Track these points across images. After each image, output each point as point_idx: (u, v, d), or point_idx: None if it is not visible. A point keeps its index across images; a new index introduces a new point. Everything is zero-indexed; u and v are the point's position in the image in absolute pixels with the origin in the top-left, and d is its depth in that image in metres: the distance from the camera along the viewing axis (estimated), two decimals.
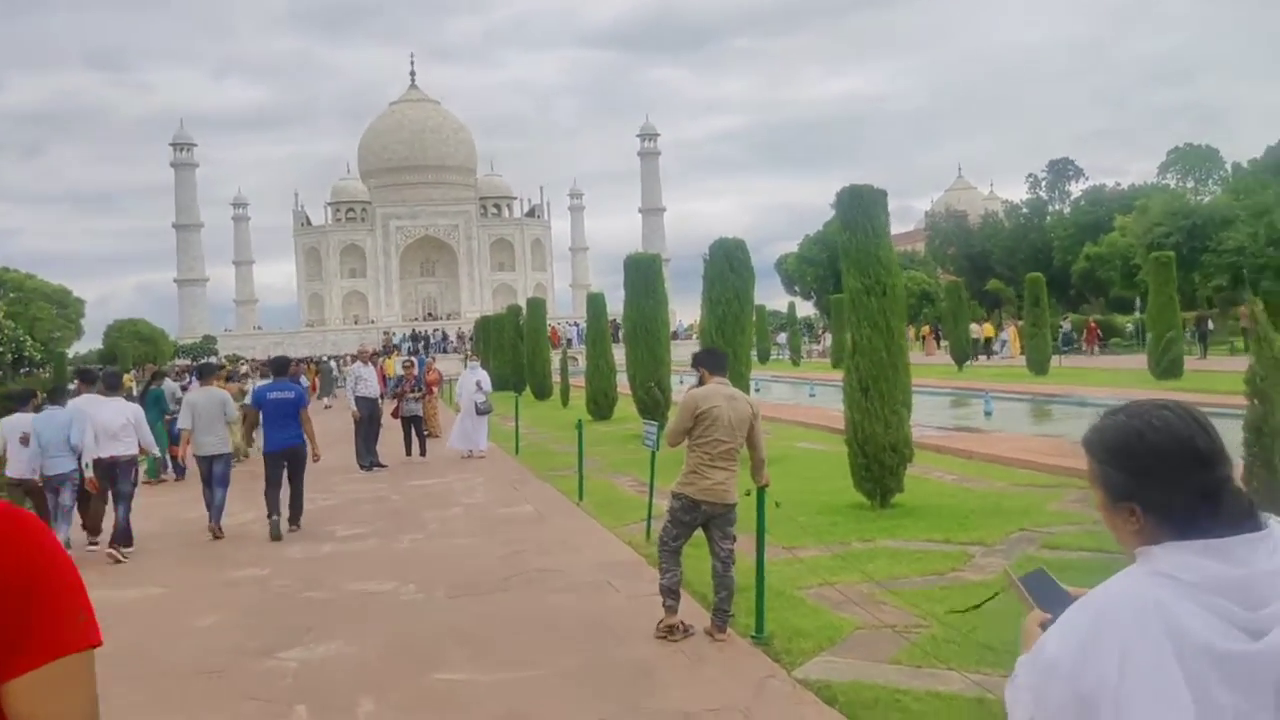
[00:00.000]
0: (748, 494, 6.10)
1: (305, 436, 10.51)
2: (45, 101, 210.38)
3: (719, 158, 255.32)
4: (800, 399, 27.22)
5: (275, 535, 9.83)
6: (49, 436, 9.10)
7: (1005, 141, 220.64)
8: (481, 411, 16.33)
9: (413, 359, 20.69)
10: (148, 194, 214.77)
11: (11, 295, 73.91)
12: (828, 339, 52.12)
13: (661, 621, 5.98)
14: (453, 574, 7.81)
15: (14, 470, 9.24)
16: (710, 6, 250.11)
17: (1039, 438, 16.15)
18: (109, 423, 9.58)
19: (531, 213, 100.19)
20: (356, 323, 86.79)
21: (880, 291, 9.39)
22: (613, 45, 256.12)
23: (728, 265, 13.97)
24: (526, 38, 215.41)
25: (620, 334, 28.19)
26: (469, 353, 37.55)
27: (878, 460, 9.32)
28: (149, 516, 10.76)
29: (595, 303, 23.16)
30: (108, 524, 9.58)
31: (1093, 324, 41.52)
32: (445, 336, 69.74)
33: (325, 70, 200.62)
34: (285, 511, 10.13)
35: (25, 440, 9.10)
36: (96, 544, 9.63)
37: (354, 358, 29.23)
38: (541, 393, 30.72)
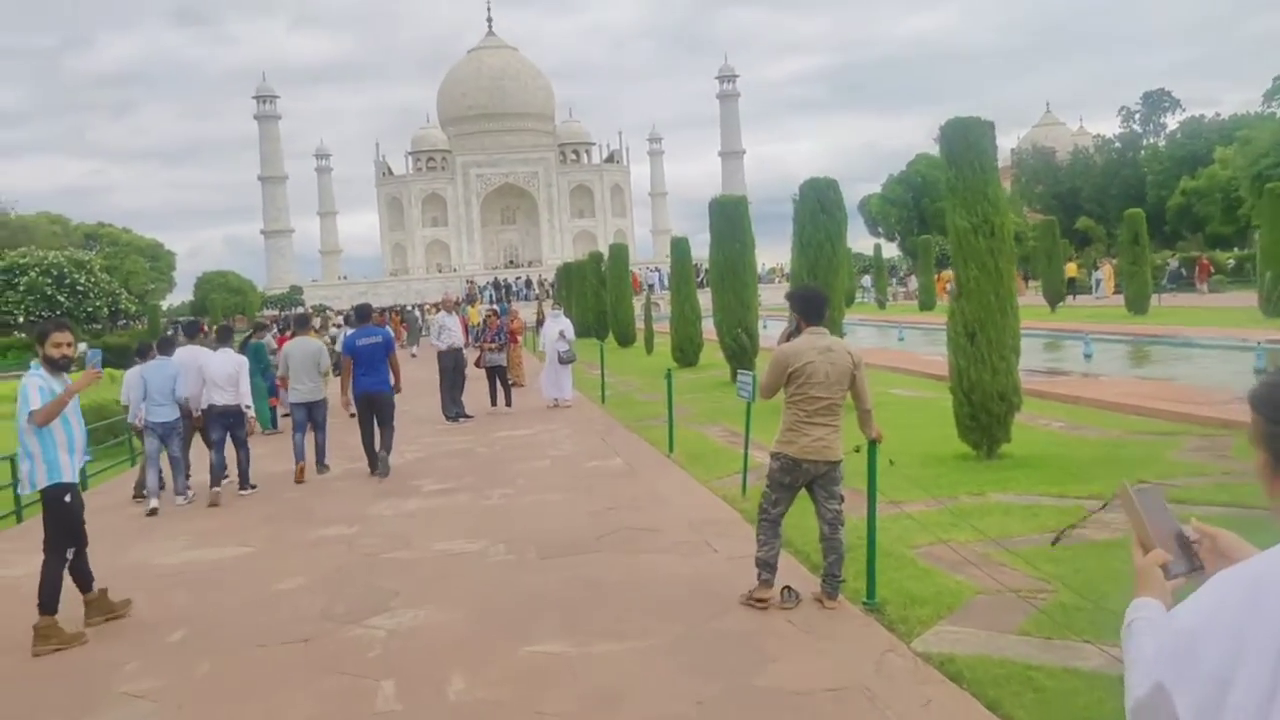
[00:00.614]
0: (857, 450, 5.68)
1: (392, 381, 11.12)
2: (133, 59, 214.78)
3: (797, 99, 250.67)
4: (889, 343, 26.50)
5: (383, 472, 10.61)
6: (155, 385, 9.61)
7: (1094, 75, 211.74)
8: (565, 360, 16.09)
9: (495, 308, 20.53)
10: (233, 148, 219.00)
11: (108, 249, 76.13)
12: (913, 282, 50.87)
13: (753, 592, 5.60)
14: (543, 533, 7.55)
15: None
16: None
17: (1148, 381, 15.36)
18: (217, 373, 10.09)
19: (610, 158, 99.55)
20: (440, 271, 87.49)
21: (989, 231, 8.80)
22: None
23: (819, 206, 13.41)
24: None
25: (705, 279, 27.77)
26: (552, 300, 37.44)
27: (985, 409, 8.81)
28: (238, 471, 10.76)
29: (679, 247, 22.68)
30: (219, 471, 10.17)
31: (1204, 260, 39.59)
32: (529, 283, 69.88)
33: (402, 19, 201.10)
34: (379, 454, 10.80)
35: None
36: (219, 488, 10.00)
37: (437, 307, 29.30)
38: (625, 339, 30.47)
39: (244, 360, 10.84)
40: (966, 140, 8.90)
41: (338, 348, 16.93)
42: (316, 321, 20.65)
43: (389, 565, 7.00)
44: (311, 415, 11.14)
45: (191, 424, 10.21)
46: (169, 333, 17.27)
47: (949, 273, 45.87)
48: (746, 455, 8.62)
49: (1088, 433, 10.26)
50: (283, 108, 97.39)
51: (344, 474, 11.09)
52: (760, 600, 5.53)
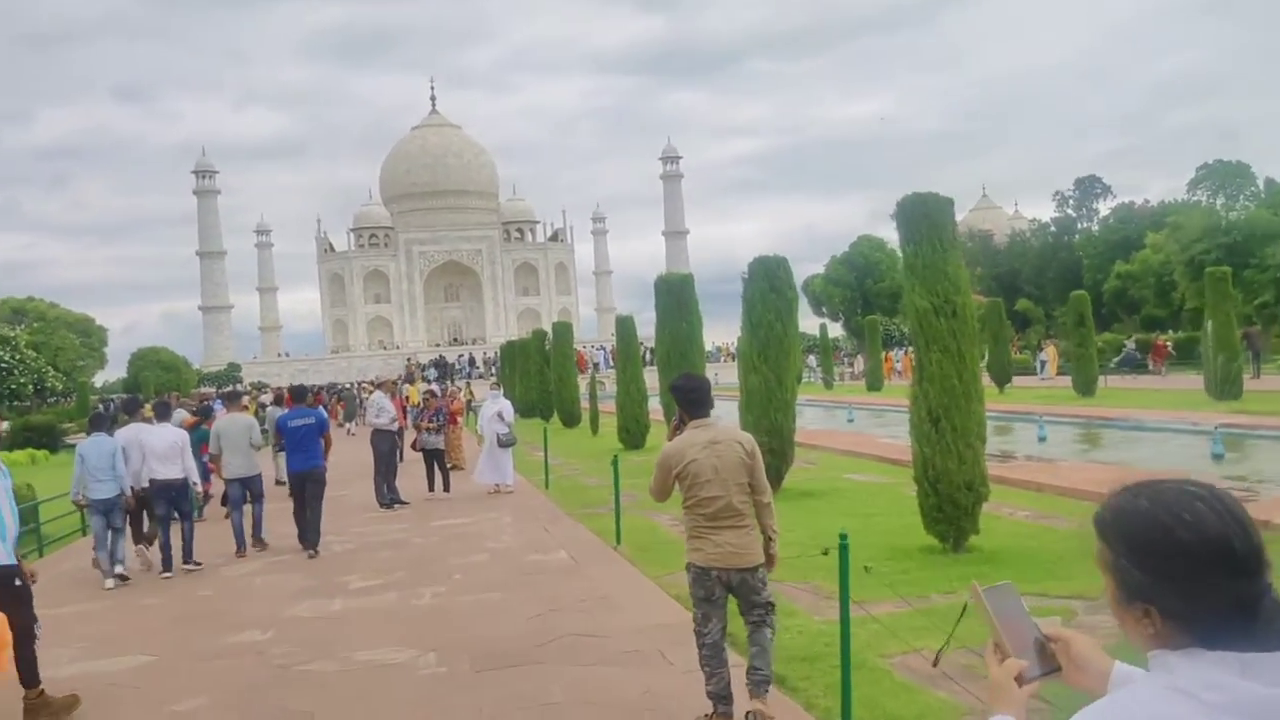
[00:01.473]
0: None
1: (324, 458, 11.52)
2: (71, 134, 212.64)
3: (740, 181, 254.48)
4: (839, 424, 26.16)
5: (313, 542, 10.89)
6: (93, 461, 9.62)
7: (1026, 162, 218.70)
8: (504, 444, 15.41)
9: (433, 387, 19.80)
10: (173, 223, 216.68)
11: (35, 324, 74.03)
12: (859, 362, 51.03)
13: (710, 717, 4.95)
14: (479, 639, 6.85)
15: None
16: (725, 30, 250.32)
17: (1107, 466, 15.08)
18: (158, 446, 10.22)
19: (554, 237, 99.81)
20: (383, 348, 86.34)
21: (950, 311, 8.42)
22: (629, 70, 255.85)
23: (768, 285, 13.04)
24: (542, 64, 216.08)
25: (651, 358, 27.35)
26: (493, 379, 36.78)
27: (951, 500, 8.34)
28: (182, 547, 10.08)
29: (625, 326, 22.30)
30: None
31: (1160, 342, 40.21)
32: (471, 361, 69.10)
33: (345, 98, 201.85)
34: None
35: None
36: (169, 572, 10.16)
37: (374, 385, 28.48)
38: (570, 420, 29.81)
39: (185, 434, 10.95)
40: (926, 216, 8.57)
41: (266, 426, 16.29)
42: (245, 400, 19.78)
43: (305, 680, 6.24)
44: (248, 488, 11.26)
45: (125, 502, 9.94)
46: (99, 409, 16.40)
47: (904, 353, 46.15)
48: None
49: (1055, 522, 9.82)
50: (224, 184, 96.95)
51: (267, 565, 10.29)
52: None
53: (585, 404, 28.72)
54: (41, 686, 5.74)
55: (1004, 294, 68.19)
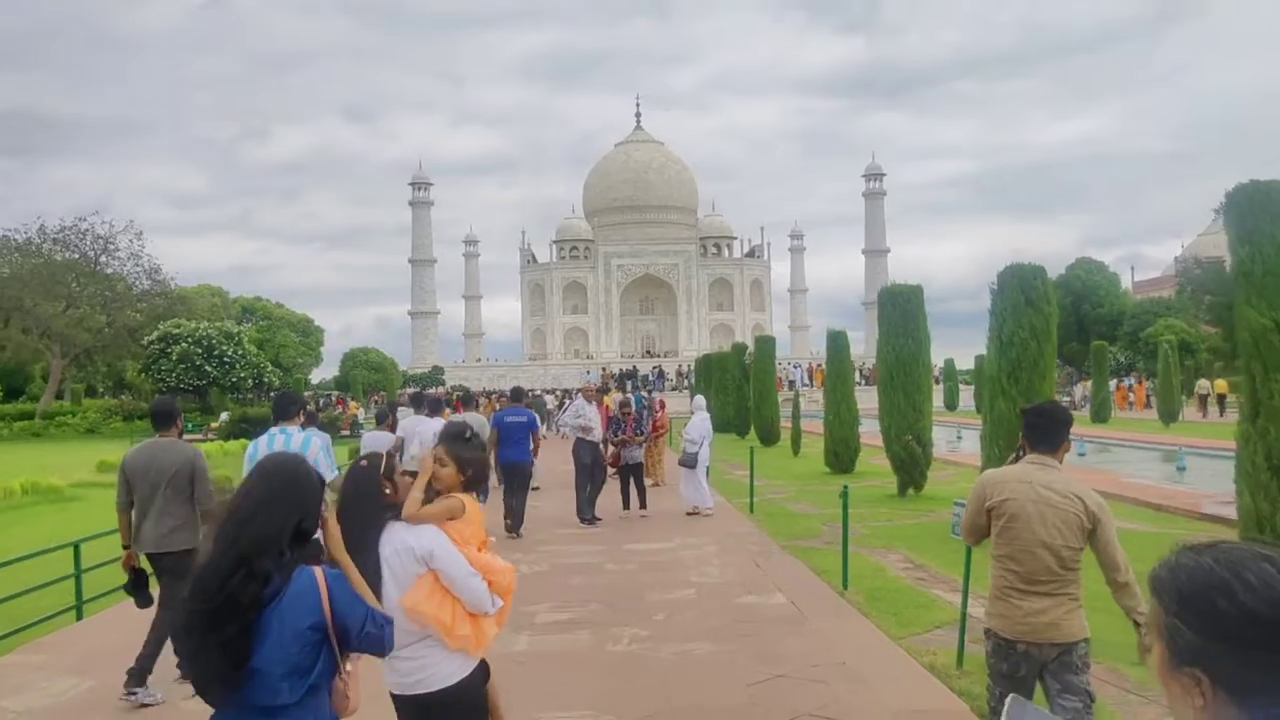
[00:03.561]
0: None
1: (532, 454, 12.76)
2: (303, 150, 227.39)
3: (938, 203, 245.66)
4: (1069, 458, 23.62)
5: (516, 525, 12.27)
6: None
7: (1264, 180, 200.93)
8: (683, 463, 14.12)
9: (629, 397, 18.73)
10: (389, 234, 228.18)
11: (261, 322, 78.55)
12: (1078, 391, 47.25)
13: None
14: (690, 711, 5.56)
15: None
16: (927, 52, 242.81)
17: None
18: (427, 436, 10.73)
19: (751, 253, 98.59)
20: (577, 356, 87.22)
21: None
22: (829, 93, 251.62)
23: (1023, 298, 11.30)
24: (744, 85, 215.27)
25: (862, 378, 25.55)
26: (690, 389, 35.62)
27: None
28: None
29: (837, 342, 20.66)
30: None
31: None
32: (661, 374, 68.49)
33: (553, 118, 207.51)
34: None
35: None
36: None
37: (576, 392, 27.81)
38: (769, 438, 28.34)
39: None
40: (1268, 210, 6.76)
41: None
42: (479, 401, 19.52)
43: None
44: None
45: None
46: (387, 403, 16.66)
47: (1135, 382, 42.48)
48: (965, 612, 6.47)
49: None
50: (436, 197, 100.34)
51: None
52: None
53: (787, 423, 27.22)
54: None
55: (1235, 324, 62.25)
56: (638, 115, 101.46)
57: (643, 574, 9.71)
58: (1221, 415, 39.82)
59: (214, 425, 40.66)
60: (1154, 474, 20.24)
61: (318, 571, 2.67)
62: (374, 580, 3.20)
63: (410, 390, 58.85)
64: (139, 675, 6.05)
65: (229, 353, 50.22)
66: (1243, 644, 1.19)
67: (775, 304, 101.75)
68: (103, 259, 55.93)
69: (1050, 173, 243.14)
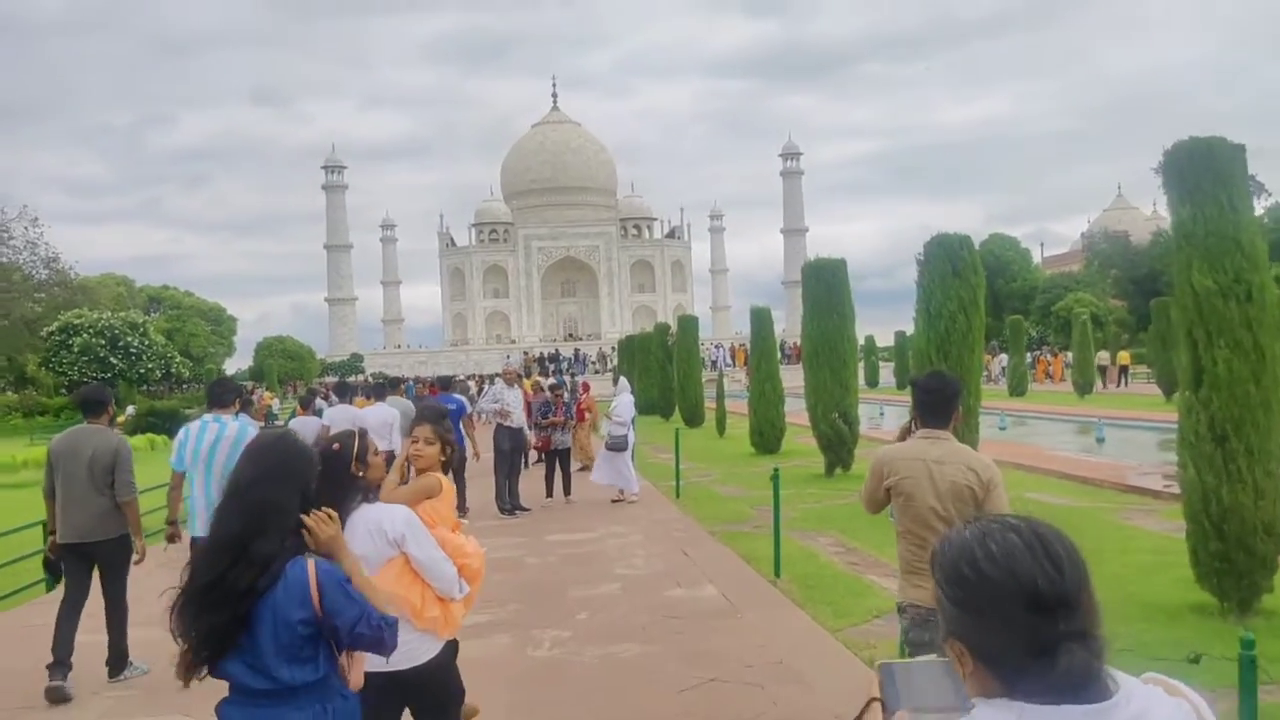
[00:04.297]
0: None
1: (466, 438, 12.13)
2: (211, 136, 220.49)
3: (852, 183, 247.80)
4: (989, 432, 23.71)
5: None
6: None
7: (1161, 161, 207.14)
8: (612, 447, 13.62)
9: (561, 380, 18.25)
10: (302, 220, 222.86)
11: (170, 312, 76.00)
12: (995, 365, 47.92)
13: None
14: None
15: None
16: (837, 34, 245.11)
17: None
18: (371, 423, 9.93)
19: (671, 234, 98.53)
20: (499, 341, 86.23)
21: (1243, 294, 6.30)
22: (741, 74, 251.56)
23: (950, 268, 10.99)
24: (657, 67, 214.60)
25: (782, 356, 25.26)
26: (614, 373, 35.14)
27: (1242, 545, 6.21)
28: None
29: (760, 319, 20.33)
30: None
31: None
32: (577, 356, 67.92)
33: (466, 100, 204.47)
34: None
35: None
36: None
37: (492, 379, 27.13)
38: (693, 419, 27.96)
39: (396, 412, 11.64)
40: (1210, 168, 6.46)
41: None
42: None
43: None
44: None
45: None
46: (310, 391, 16.36)
47: (1053, 355, 43.20)
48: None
49: None
50: (351, 181, 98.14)
51: None
52: None
53: (711, 404, 26.93)
54: None
55: (1142, 297, 63.90)
56: (554, 96, 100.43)
57: (565, 568, 9.19)
58: (1125, 386, 40.79)
59: (120, 420, 38.88)
60: (1074, 445, 20.38)
61: (310, 565, 2.57)
62: None
63: (330, 379, 57.42)
64: (120, 661, 6.16)
65: (134, 344, 48.24)
66: (983, 613, 1.22)
67: (696, 285, 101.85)
68: None
69: (956, 153, 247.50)
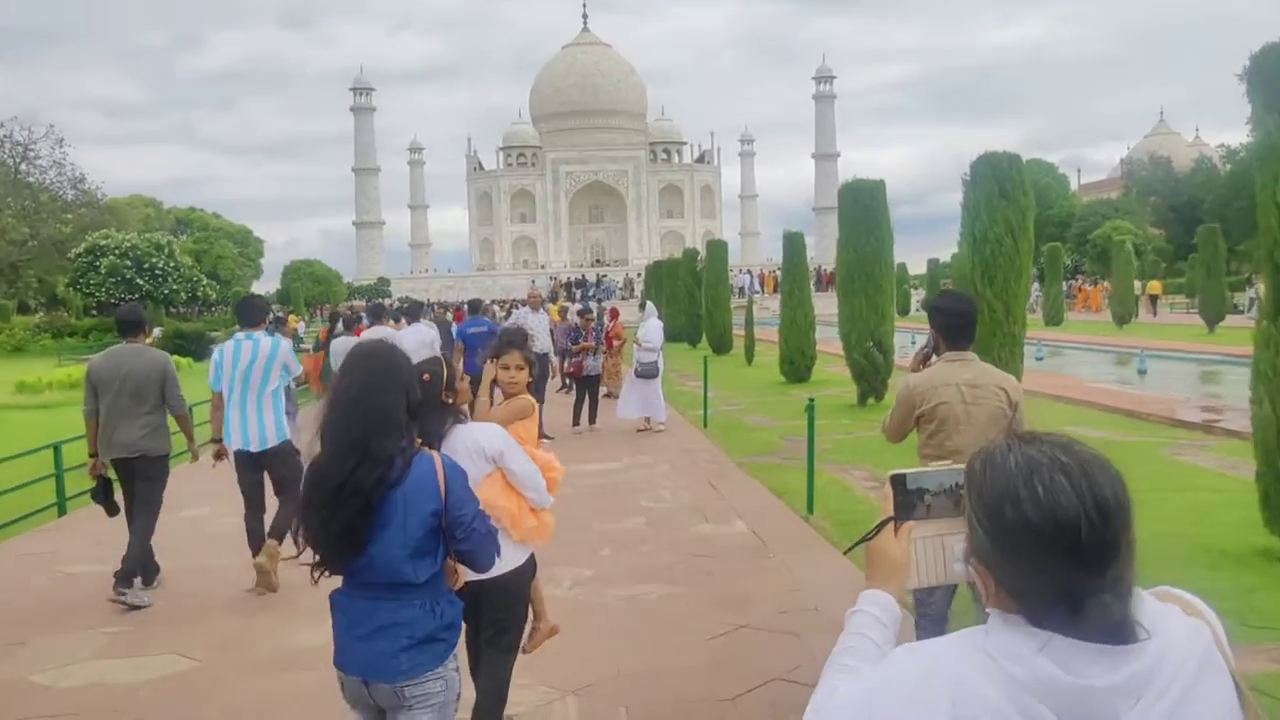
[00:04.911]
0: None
1: None
2: (240, 59, 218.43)
3: (886, 107, 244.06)
4: (1028, 363, 23.10)
5: None
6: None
7: (1205, 86, 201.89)
8: (642, 374, 13.19)
9: (592, 305, 17.91)
10: (332, 143, 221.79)
11: (197, 234, 75.90)
12: (1035, 289, 47.01)
13: None
14: (639, 677, 4.68)
15: None
16: None
17: None
18: (409, 344, 10.03)
19: (701, 159, 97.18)
20: (525, 266, 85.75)
21: None
22: None
23: (997, 190, 10.37)
24: None
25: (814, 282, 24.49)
26: (641, 298, 34.63)
27: None
28: None
29: (793, 243, 19.70)
30: None
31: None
32: (598, 281, 67.22)
33: (496, 21, 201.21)
34: None
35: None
36: None
37: (519, 304, 26.73)
38: (721, 347, 27.50)
39: (434, 333, 12.46)
40: None
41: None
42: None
43: None
44: None
45: None
46: (346, 312, 15.72)
47: (1094, 284, 42.25)
48: None
49: None
50: (379, 104, 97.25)
51: None
52: None
53: (740, 331, 26.43)
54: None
55: (1182, 226, 62.35)
56: (584, 17, 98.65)
57: (589, 499, 8.79)
58: (1155, 316, 39.92)
59: (147, 340, 38.85)
60: (1114, 376, 19.78)
61: (437, 458, 2.73)
62: None
63: (358, 302, 57.29)
64: (126, 577, 6.10)
65: (160, 265, 48.16)
66: (1017, 554, 1.19)
67: (726, 211, 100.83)
68: (23, 168, 52.94)
69: (993, 77, 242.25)
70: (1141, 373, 19.29)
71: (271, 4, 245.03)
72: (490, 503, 3.42)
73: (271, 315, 7.04)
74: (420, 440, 2.82)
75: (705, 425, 13.42)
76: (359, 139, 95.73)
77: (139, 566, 6.21)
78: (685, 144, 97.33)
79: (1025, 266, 10.49)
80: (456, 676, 2.78)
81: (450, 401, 3.46)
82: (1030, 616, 1.19)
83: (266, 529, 6.36)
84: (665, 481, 9.61)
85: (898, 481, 1.51)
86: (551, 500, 3.85)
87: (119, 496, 6.50)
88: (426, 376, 3.34)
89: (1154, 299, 41.68)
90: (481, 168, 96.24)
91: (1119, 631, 1.17)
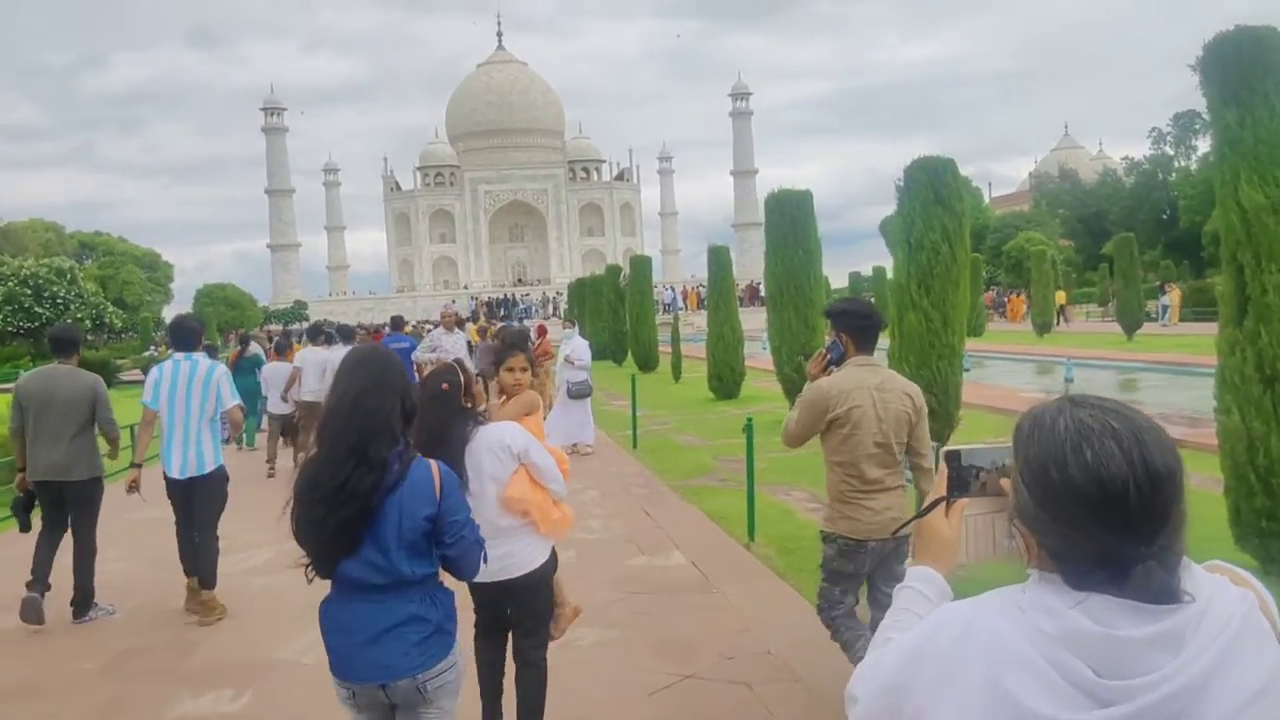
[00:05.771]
0: (894, 533, 3.90)
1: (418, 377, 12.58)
2: (145, 79, 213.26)
3: (800, 124, 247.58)
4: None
5: None
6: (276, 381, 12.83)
7: (1108, 100, 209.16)
8: (575, 394, 12.67)
9: (533, 325, 17.52)
10: (245, 164, 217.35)
11: (102, 259, 73.24)
12: None
13: None
14: None
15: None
16: None
17: None
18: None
19: (620, 176, 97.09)
20: (447, 287, 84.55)
21: None
22: (689, 14, 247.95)
23: (932, 195, 10.02)
24: (603, 8, 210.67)
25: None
26: (563, 317, 34.02)
27: None
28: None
29: (719, 257, 19.29)
30: None
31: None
32: (512, 301, 66.46)
33: (410, 41, 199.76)
34: None
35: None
36: None
37: (432, 324, 25.95)
38: (647, 364, 27.02)
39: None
40: (1260, 62, 5.52)
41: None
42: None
43: None
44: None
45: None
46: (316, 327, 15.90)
47: (1012, 295, 43.08)
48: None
49: None
50: (293, 125, 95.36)
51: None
52: None
53: (666, 348, 25.99)
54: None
55: (1090, 237, 63.94)
56: (499, 35, 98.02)
57: None
58: (1067, 324, 40.85)
59: None
60: (1041, 386, 19.77)
61: (434, 465, 2.77)
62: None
63: (275, 326, 55.63)
64: (85, 602, 6.28)
65: (62, 293, 46.10)
66: (1061, 519, 1.18)
67: (646, 229, 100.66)
68: None
69: (904, 93, 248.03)
70: (1069, 381, 19.22)
71: (178, 22, 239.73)
72: (523, 497, 3.68)
73: (201, 337, 6.85)
74: (429, 447, 3.00)
75: (635, 446, 12.89)
76: (271, 160, 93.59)
77: (89, 587, 6.30)
78: (604, 162, 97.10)
79: (962, 275, 10.16)
80: (462, 663, 2.87)
81: (470, 406, 3.61)
82: (1069, 579, 1.18)
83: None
84: (596, 509, 9.01)
85: (952, 458, 1.48)
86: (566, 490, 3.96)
87: (36, 517, 6.49)
88: (445, 386, 3.55)
89: (1061, 309, 42.44)
90: (399, 188, 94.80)
91: (1161, 596, 1.14)
